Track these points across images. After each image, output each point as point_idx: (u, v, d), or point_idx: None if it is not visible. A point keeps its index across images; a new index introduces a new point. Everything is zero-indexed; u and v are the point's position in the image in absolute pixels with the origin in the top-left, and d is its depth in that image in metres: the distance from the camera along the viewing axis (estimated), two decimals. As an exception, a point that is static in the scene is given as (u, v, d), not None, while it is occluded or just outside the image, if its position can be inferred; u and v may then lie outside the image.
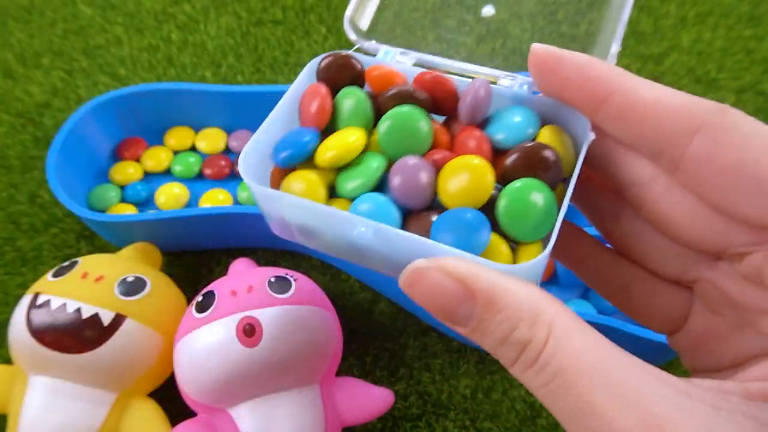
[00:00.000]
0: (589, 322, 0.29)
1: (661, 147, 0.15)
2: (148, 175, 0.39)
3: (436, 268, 0.13)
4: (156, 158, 0.39)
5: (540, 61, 0.16)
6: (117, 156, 0.40)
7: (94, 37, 0.49)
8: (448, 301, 0.13)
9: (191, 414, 0.27)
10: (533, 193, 0.15)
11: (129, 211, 0.37)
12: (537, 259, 0.14)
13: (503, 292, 0.13)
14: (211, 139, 0.40)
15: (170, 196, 0.37)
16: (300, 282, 0.27)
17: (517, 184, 0.15)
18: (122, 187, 0.38)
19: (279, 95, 0.38)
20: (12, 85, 0.45)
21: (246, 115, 0.40)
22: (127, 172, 0.38)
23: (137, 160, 0.39)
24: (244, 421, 0.25)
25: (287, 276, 0.28)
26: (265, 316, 0.25)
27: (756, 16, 0.51)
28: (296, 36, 0.49)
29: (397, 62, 0.20)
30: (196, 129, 0.41)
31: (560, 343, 0.12)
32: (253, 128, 0.40)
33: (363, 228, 0.15)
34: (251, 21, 0.50)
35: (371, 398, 0.27)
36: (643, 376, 0.12)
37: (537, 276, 0.15)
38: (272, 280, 0.27)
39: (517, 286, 0.13)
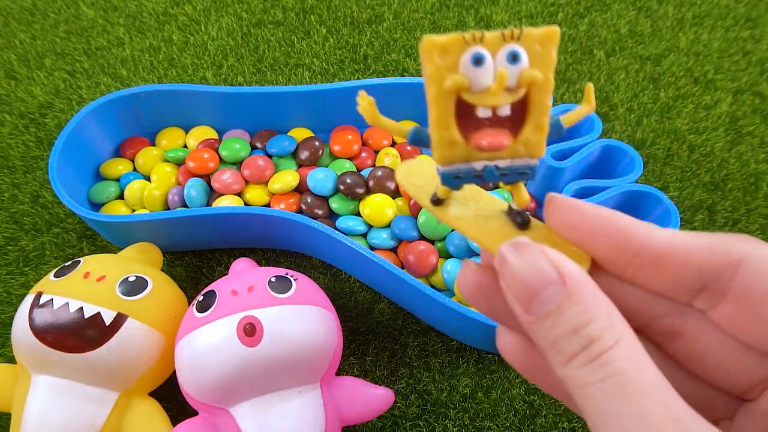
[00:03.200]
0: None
1: (703, 284, 0.14)
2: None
3: (539, 247, 0.14)
4: (147, 156, 0.39)
5: (560, 213, 0.16)
6: (120, 155, 0.40)
7: (96, 39, 0.49)
8: (538, 279, 0.14)
9: (192, 413, 0.27)
10: None
11: (126, 209, 0.37)
12: None
13: (590, 288, 0.13)
14: (201, 137, 0.40)
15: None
16: (300, 282, 0.28)
17: None
18: (117, 181, 0.38)
19: (279, 95, 0.38)
20: (14, 86, 0.45)
21: (247, 115, 0.40)
22: (117, 168, 0.38)
23: (133, 160, 0.40)
24: (245, 421, 0.25)
25: (288, 276, 0.28)
26: (266, 315, 0.25)
27: (753, 18, 0.51)
28: (297, 37, 0.49)
29: None
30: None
31: (626, 353, 0.12)
32: (250, 128, 0.41)
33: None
34: (252, 22, 0.50)
35: (371, 398, 0.27)
36: (696, 417, 0.12)
37: None
38: (273, 280, 0.27)
39: (599, 290, 0.14)
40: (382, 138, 0.40)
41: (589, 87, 0.17)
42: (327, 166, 0.38)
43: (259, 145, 0.40)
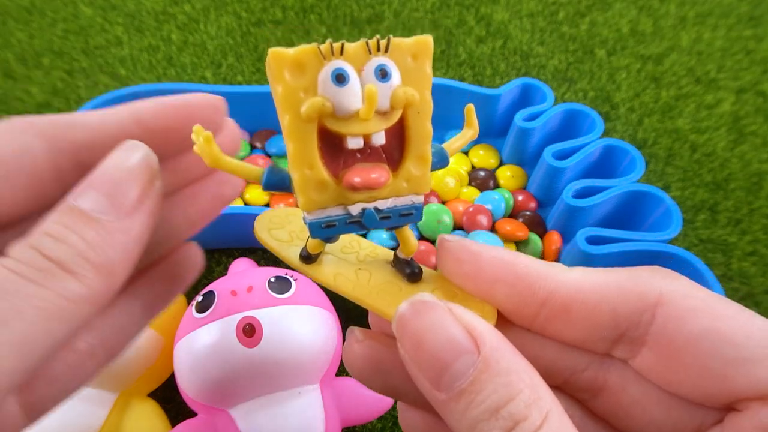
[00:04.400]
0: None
1: (621, 331, 0.13)
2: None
3: (445, 306, 0.12)
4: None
5: (455, 260, 0.13)
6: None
7: (95, 37, 0.49)
8: (447, 349, 0.11)
9: (191, 414, 0.27)
10: None
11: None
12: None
13: (509, 355, 0.11)
14: None
15: None
16: (300, 282, 0.27)
17: None
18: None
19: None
20: (12, 85, 0.45)
21: (246, 115, 0.40)
22: None
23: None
24: (244, 422, 0.25)
25: (287, 276, 0.27)
26: (265, 316, 0.25)
27: (756, 17, 0.51)
28: (296, 36, 0.49)
29: None
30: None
31: None
32: (249, 128, 0.41)
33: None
34: (251, 21, 0.50)
35: (371, 399, 0.27)
36: None
37: None
38: (272, 280, 0.27)
39: (518, 354, 0.11)
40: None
41: (469, 108, 0.14)
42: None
43: (258, 144, 0.39)
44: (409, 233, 0.14)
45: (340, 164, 0.13)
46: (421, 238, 0.35)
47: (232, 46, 0.48)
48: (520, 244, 0.35)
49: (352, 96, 0.12)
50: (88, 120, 0.14)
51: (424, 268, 0.15)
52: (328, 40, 0.12)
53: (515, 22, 0.50)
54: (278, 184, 0.13)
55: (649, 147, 0.42)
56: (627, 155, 0.35)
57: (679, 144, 0.42)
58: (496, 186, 0.39)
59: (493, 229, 0.36)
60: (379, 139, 0.12)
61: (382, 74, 0.12)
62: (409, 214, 0.13)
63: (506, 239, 0.35)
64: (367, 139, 0.12)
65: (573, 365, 0.14)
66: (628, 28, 0.50)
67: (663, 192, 0.33)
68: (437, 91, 0.39)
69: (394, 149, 0.13)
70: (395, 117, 0.12)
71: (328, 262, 0.15)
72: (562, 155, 0.35)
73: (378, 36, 0.12)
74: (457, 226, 0.35)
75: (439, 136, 0.41)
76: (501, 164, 0.40)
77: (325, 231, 0.13)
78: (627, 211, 0.34)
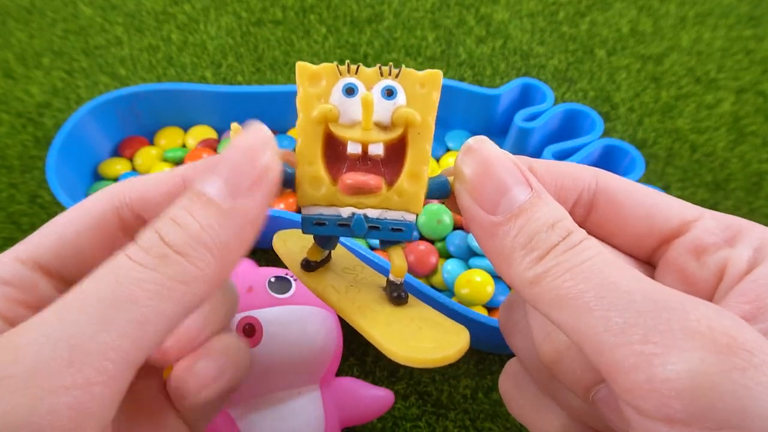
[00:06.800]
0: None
1: (576, 199, 0.15)
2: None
3: (501, 150, 0.14)
4: (146, 156, 0.39)
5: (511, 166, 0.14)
6: (118, 155, 0.40)
7: (95, 37, 0.49)
8: (509, 175, 0.13)
9: (191, 414, 0.27)
10: None
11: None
12: None
13: (549, 195, 0.14)
14: (200, 137, 0.40)
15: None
16: (300, 282, 0.27)
17: None
18: (116, 180, 0.38)
19: (278, 95, 0.38)
20: (12, 85, 0.45)
21: (246, 115, 0.40)
22: (116, 168, 0.38)
23: (132, 159, 0.39)
24: (244, 422, 0.25)
25: (287, 276, 0.27)
26: (265, 316, 0.25)
27: (756, 17, 0.51)
28: (296, 36, 0.49)
29: None
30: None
31: (596, 241, 0.13)
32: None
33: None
34: (251, 21, 0.50)
35: (371, 399, 0.27)
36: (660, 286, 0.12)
37: None
38: (272, 280, 0.27)
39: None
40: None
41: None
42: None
43: (258, 144, 0.39)
44: (397, 254, 0.15)
45: (342, 171, 0.14)
46: (421, 238, 0.35)
47: (232, 46, 0.48)
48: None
49: (357, 107, 0.13)
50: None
51: (411, 297, 0.16)
52: (347, 62, 0.14)
53: (515, 22, 0.50)
54: (286, 182, 0.14)
55: (649, 147, 0.42)
56: (627, 155, 0.35)
57: (679, 144, 0.42)
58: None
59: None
60: (376, 150, 0.14)
61: (388, 93, 0.14)
62: (399, 230, 0.14)
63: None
64: (365, 148, 0.14)
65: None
66: (628, 28, 0.50)
67: (663, 192, 0.33)
68: (437, 91, 0.38)
69: (395, 168, 0.14)
70: (395, 133, 0.14)
71: (326, 275, 0.16)
72: (562, 155, 0.35)
73: (392, 63, 0.14)
74: (457, 226, 0.35)
75: (439, 136, 0.41)
76: (501, 164, 0.40)
77: (316, 228, 0.14)
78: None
